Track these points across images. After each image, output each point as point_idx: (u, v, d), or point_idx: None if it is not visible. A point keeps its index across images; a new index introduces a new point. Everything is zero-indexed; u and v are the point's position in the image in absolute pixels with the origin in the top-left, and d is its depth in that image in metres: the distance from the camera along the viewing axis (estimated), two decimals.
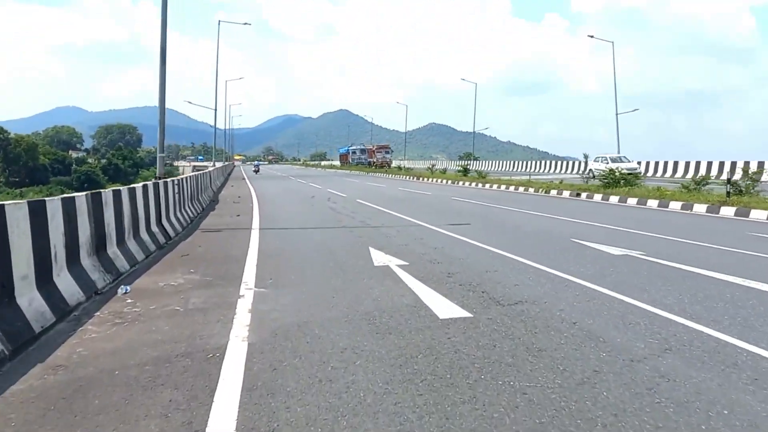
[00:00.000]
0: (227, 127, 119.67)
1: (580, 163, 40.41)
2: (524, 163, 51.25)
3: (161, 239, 8.14)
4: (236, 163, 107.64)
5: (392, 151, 65.82)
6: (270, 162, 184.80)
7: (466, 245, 7.93)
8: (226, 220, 11.80)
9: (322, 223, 11.21)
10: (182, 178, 12.10)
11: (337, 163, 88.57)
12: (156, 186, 8.67)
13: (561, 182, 20.89)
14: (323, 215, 12.73)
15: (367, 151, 66.85)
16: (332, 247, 7.77)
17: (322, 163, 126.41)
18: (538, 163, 49.13)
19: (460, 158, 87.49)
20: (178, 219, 10.18)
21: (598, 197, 16.76)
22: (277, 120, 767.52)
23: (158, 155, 10.79)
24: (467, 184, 26.19)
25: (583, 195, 17.51)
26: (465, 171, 32.84)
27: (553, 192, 19.05)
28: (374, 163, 59.11)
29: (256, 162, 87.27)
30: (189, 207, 12.35)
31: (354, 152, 68.99)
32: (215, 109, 41.14)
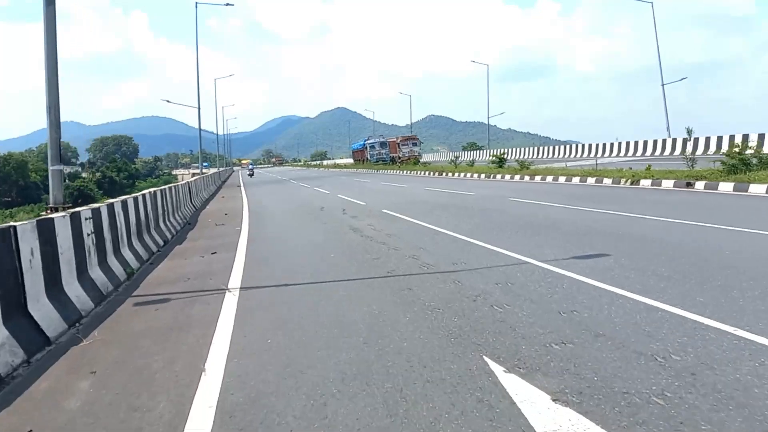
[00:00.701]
0: (225, 132, 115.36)
1: (605, 145, 35.83)
2: (542, 149, 45.92)
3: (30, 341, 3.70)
4: (250, 166, 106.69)
5: (421, 143, 52.68)
6: (274, 164, 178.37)
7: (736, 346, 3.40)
8: (191, 266, 7.29)
9: (349, 263, 6.77)
10: (125, 200, 7.68)
11: (343, 161, 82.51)
12: (47, 228, 4.34)
13: (630, 169, 16.33)
14: (346, 245, 8.32)
15: (388, 144, 54.28)
16: (397, 366, 3.27)
17: (324, 162, 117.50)
18: (558, 148, 43.86)
19: (464, 148, 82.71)
20: (106, 271, 5.78)
21: (727, 187, 12.06)
22: (275, 122, 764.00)
23: (50, 169, 6.47)
24: (508, 177, 21.62)
25: (699, 185, 12.81)
26: (500, 162, 26.56)
27: (644, 182, 14.39)
28: (399, 159, 47.98)
29: (249, 165, 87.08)
30: (137, 243, 7.91)
31: (372, 147, 54.80)
32: (198, 108, 36.10)
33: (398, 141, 51.76)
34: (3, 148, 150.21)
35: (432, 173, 30.77)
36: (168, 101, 39.16)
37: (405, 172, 35.33)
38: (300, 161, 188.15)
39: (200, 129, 37.14)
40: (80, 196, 74.87)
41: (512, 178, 21.21)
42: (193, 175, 47.29)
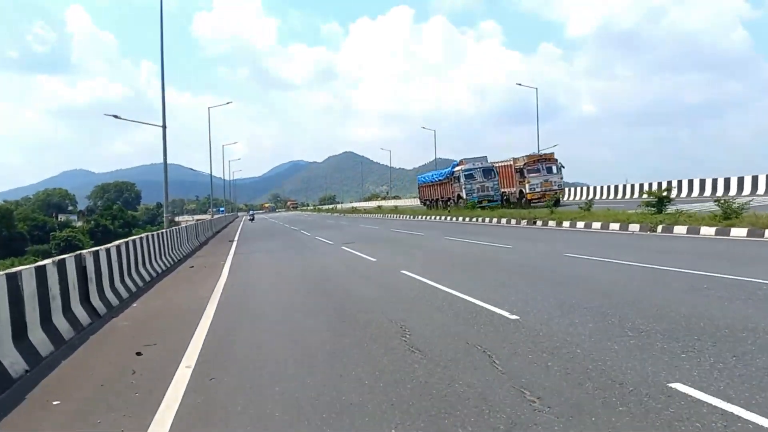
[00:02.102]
0: (230, 177, 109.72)
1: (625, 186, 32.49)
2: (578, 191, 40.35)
3: None
4: (251, 212, 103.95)
5: (563, 167, 33.01)
6: (288, 209, 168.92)
7: None
8: None
9: None
10: None
11: (362, 205, 70.13)
12: None
13: None
14: None
15: (496, 172, 34.43)
16: None
17: (338, 206, 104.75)
18: (586, 189, 38.44)
19: None
20: None
21: None
22: (283, 167, 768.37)
23: None
24: (687, 233, 14.03)
25: None
26: (660, 204, 17.58)
27: None
28: (526, 197, 31.43)
29: (251, 211, 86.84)
30: None
31: (470, 176, 34.03)
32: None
33: (522, 164, 31.92)
34: (13, 196, 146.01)
35: (536, 222, 21.31)
36: (116, 116, 33.41)
37: (495, 220, 25.16)
38: (308, 205, 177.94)
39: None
40: (68, 247, 68.21)
41: (693, 233, 13.62)
42: (197, 221, 40.09)
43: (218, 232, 35.30)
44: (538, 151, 37.60)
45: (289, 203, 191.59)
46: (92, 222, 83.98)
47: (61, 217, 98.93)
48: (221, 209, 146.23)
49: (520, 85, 46.11)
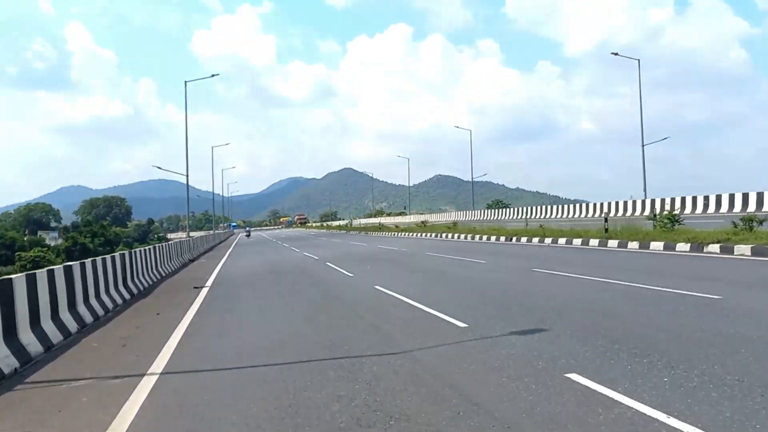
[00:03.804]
0: (229, 193, 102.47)
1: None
2: (573, 207, 38.19)
3: None
4: (247, 228, 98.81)
5: None
6: (298, 224, 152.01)
7: None
8: None
9: None
10: None
11: (391, 221, 61.84)
12: None
13: None
14: None
15: None
16: None
17: (362, 221, 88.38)
18: (592, 206, 35.05)
19: (489, 206, 72.08)
20: None
21: None
22: (282, 183, 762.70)
23: None
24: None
25: None
26: (671, 222, 16.23)
27: None
28: None
29: (246, 228, 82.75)
30: None
31: None
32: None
33: None
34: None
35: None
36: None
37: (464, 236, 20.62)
38: (306, 221, 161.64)
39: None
40: (34, 269, 60.95)
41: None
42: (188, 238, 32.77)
43: (194, 259, 28.23)
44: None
45: (296, 218, 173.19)
46: (69, 240, 76.47)
47: (41, 234, 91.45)
48: (233, 225, 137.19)
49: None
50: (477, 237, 23.41)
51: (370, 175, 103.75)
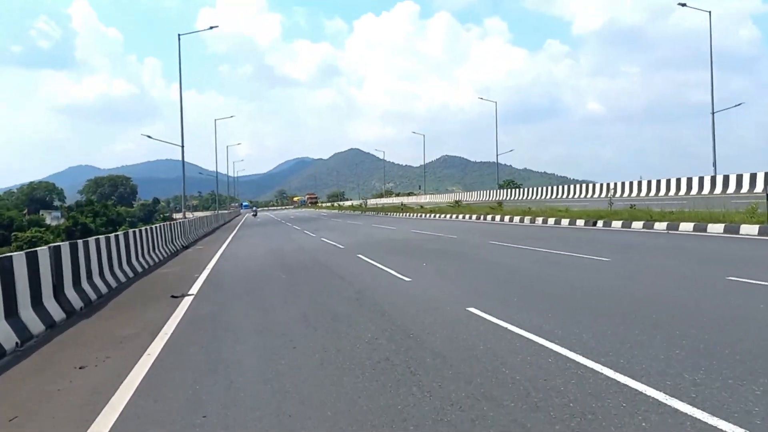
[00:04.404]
0: (235, 173, 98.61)
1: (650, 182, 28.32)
2: (591, 187, 36.91)
3: None
4: (254, 208, 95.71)
5: None
6: (310, 203, 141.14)
7: None
8: None
9: None
10: None
11: (415, 201, 57.45)
12: None
13: None
14: None
15: None
16: None
17: (379, 201, 79.70)
18: (609, 185, 33.49)
19: (500, 186, 68.65)
20: None
21: None
22: (289, 164, 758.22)
23: None
24: None
25: None
26: None
27: None
28: None
29: (253, 208, 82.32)
30: None
31: None
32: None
33: None
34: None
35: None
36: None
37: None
38: (315, 201, 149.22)
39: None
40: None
41: None
42: (189, 217, 28.62)
43: (214, 230, 24.13)
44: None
45: (307, 197, 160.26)
46: (71, 219, 72.85)
47: (43, 213, 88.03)
48: (245, 204, 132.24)
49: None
50: (538, 220, 19.02)
51: (382, 154, 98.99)
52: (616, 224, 15.26)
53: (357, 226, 26.74)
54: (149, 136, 26.94)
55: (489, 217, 22.81)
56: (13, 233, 60.47)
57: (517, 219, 20.26)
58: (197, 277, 10.85)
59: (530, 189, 47.17)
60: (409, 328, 5.66)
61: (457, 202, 30.14)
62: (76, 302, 7.99)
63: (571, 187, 39.73)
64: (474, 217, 24.19)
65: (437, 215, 29.37)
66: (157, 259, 14.46)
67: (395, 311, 6.48)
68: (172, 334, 6.11)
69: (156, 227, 15.95)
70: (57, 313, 7.15)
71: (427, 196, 71.44)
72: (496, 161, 51.54)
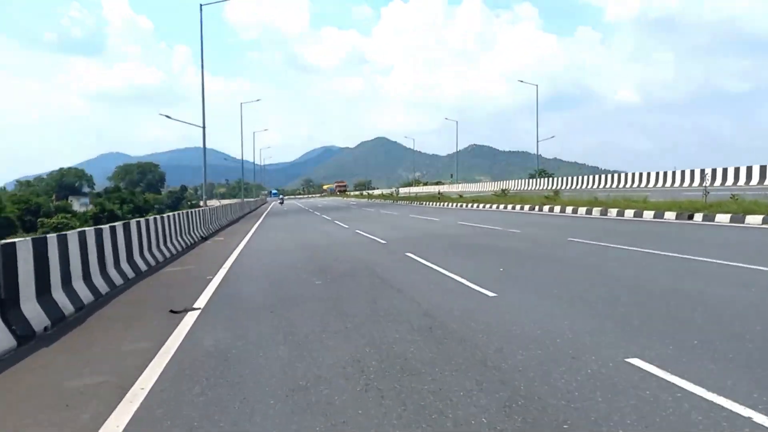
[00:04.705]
0: (261, 161, 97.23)
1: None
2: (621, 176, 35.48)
3: None
4: (280, 196, 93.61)
5: None
6: (339, 192, 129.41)
7: None
8: None
9: None
10: None
11: (471, 189, 53.63)
12: None
13: None
14: None
15: None
16: None
17: (415, 189, 74.74)
18: (679, 174, 30.33)
19: (531, 176, 65.80)
20: None
21: None
22: (315, 152, 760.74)
23: None
24: None
25: None
26: None
27: None
28: None
29: (280, 195, 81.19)
30: None
31: None
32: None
33: None
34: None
35: None
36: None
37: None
38: (344, 189, 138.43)
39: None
40: None
41: None
42: (218, 205, 26.80)
43: (230, 223, 22.05)
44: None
45: (336, 186, 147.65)
46: (98, 206, 72.51)
47: (71, 200, 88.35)
48: (274, 192, 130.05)
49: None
50: (611, 212, 16.23)
51: (410, 142, 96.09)
52: (721, 218, 12.44)
53: (393, 216, 24.29)
54: (168, 116, 24.95)
55: (546, 208, 20.06)
56: (39, 219, 60.13)
57: (582, 210, 17.48)
58: (209, 281, 8.59)
59: (566, 178, 44.47)
60: (549, 401, 3.20)
61: (503, 191, 27.37)
62: (39, 320, 5.80)
63: (616, 176, 37.25)
64: (527, 207, 21.45)
65: (479, 205, 26.68)
66: (168, 254, 12.34)
67: (504, 360, 4.03)
68: (147, 395, 3.79)
69: (169, 216, 13.83)
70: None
71: (459, 185, 68.58)
72: (536, 148, 48.39)
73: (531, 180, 51.10)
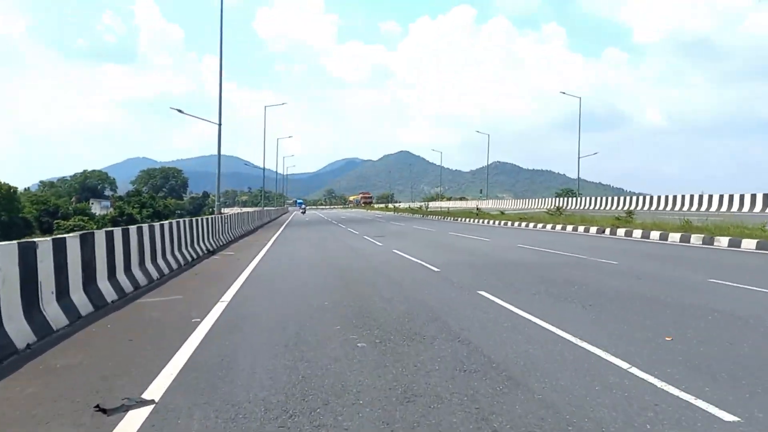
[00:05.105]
0: (285, 173, 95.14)
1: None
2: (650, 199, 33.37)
3: None
4: (303, 206, 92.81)
5: None
6: (364, 203, 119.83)
7: None
8: None
9: None
10: None
11: (493, 206, 52.06)
12: None
13: None
14: None
15: None
16: None
17: (446, 204, 72.12)
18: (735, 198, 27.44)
19: (557, 195, 64.61)
20: None
21: None
22: (338, 164, 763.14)
23: None
24: None
25: None
26: None
27: None
28: None
29: (302, 204, 79.19)
30: None
31: None
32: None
33: None
34: None
35: None
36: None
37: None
38: (369, 201, 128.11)
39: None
40: None
41: None
42: (239, 214, 24.28)
43: (242, 236, 19.17)
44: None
45: (361, 197, 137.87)
46: (117, 209, 70.99)
47: (92, 202, 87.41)
48: (299, 201, 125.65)
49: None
50: (721, 241, 12.81)
51: (439, 156, 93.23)
52: None
53: (430, 233, 21.14)
54: (180, 110, 22.34)
55: (621, 231, 16.64)
56: (56, 221, 58.61)
57: (675, 237, 14.03)
58: (195, 327, 5.62)
59: (592, 198, 42.71)
60: None
61: (558, 208, 23.91)
62: None
63: (654, 197, 34.39)
64: (593, 230, 18.02)
65: (528, 224, 23.35)
66: (156, 275, 9.46)
67: None
68: None
69: (164, 225, 10.98)
70: None
71: (489, 202, 65.33)
72: (577, 164, 44.73)
73: (556, 199, 50.20)
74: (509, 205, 55.11)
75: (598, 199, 41.19)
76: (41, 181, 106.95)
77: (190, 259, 12.32)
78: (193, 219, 13.39)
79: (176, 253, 11.46)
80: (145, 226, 9.74)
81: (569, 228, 19.54)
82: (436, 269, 9.89)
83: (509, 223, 24.96)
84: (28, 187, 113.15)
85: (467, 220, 31.05)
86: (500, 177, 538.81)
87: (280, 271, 10.69)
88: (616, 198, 38.38)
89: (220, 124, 20.82)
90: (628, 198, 38.07)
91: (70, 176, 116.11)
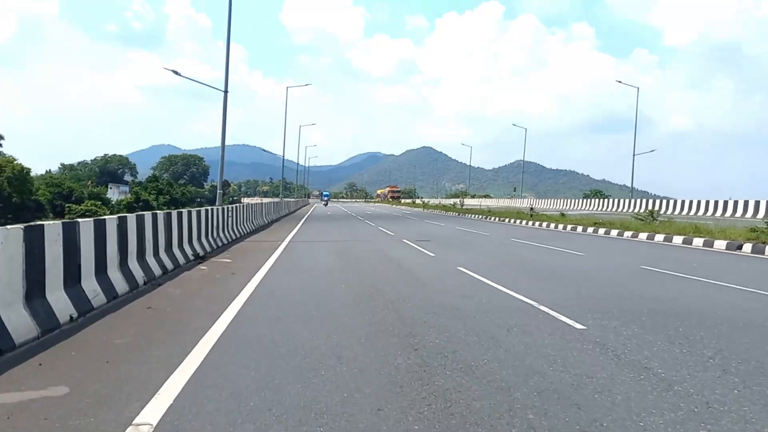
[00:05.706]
0: (306, 164, 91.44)
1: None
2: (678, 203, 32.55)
3: None
4: (326, 197, 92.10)
5: None
6: (391, 198, 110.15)
7: None
8: None
9: None
10: None
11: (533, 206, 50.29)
12: None
13: None
14: None
15: None
16: None
17: (487, 202, 69.39)
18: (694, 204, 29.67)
19: (586, 196, 60.31)
20: None
21: None
22: (360, 157, 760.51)
23: None
24: None
25: None
26: None
27: None
28: None
29: (324, 195, 75.45)
30: None
31: None
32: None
33: None
34: None
35: None
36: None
37: None
38: (397, 195, 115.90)
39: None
40: None
41: None
42: (261, 202, 20.53)
43: (266, 224, 15.05)
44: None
45: (389, 191, 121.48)
46: (132, 195, 68.20)
47: (110, 187, 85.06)
48: (325, 194, 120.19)
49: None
50: None
51: (461, 152, 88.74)
52: None
53: (487, 239, 16.75)
54: (175, 72, 18.34)
55: (695, 241, 12.05)
56: (67, 205, 55.82)
57: None
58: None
59: (620, 201, 41.87)
60: None
61: (651, 212, 19.23)
62: None
63: (685, 202, 32.88)
64: (722, 245, 13.29)
65: (606, 231, 18.75)
66: (86, 306, 5.40)
67: None
68: None
69: (131, 218, 6.90)
70: None
71: (522, 200, 60.75)
72: (632, 161, 39.69)
73: (584, 200, 49.97)
74: (535, 204, 51.72)
75: (634, 201, 38.55)
76: (62, 164, 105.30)
77: (171, 267, 8.24)
78: (173, 212, 9.25)
79: (159, 255, 7.38)
80: (91, 222, 5.65)
81: (677, 239, 14.87)
82: (576, 325, 5.56)
83: (578, 228, 20.37)
84: (49, 170, 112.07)
85: (516, 221, 26.50)
86: (524, 176, 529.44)
87: (291, 296, 6.52)
88: (679, 201, 33.94)
89: (226, 92, 16.83)
90: (657, 201, 36.41)
91: (91, 160, 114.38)
